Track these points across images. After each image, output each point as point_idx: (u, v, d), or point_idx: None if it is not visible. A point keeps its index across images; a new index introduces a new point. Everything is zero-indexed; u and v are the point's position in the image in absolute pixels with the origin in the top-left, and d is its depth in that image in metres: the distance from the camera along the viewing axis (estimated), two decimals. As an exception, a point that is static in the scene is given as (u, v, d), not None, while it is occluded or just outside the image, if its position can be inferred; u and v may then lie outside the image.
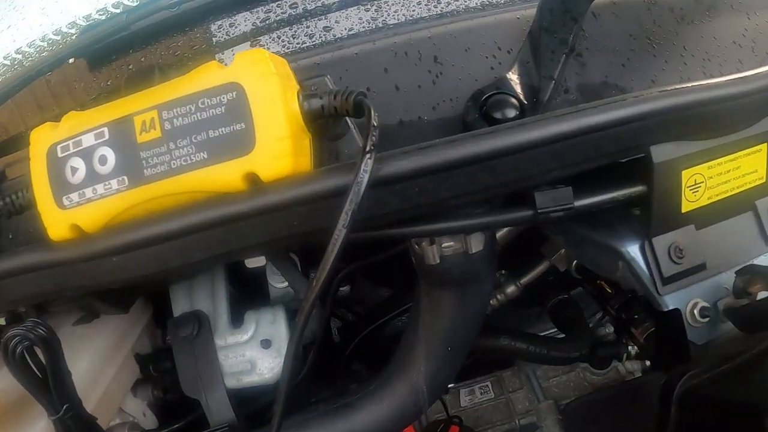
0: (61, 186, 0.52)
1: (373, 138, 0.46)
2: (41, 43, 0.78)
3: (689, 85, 0.57)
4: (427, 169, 0.50)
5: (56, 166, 0.52)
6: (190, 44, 0.74)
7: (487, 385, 1.17)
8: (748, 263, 0.65)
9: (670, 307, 0.62)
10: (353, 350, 1.08)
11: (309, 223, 0.51)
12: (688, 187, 0.61)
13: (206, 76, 0.49)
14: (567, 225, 0.69)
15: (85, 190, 0.51)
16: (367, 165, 0.45)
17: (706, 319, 0.62)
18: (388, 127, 0.61)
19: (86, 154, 0.51)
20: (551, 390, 1.13)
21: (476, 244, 0.60)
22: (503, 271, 1.05)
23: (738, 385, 0.58)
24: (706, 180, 0.62)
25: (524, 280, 0.97)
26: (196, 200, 0.50)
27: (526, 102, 0.58)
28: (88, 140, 0.51)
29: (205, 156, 0.48)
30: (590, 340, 0.98)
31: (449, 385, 1.14)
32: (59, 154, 0.52)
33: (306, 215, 0.50)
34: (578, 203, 0.56)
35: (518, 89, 0.59)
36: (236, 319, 0.79)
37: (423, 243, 0.61)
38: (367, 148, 0.45)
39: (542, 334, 1.19)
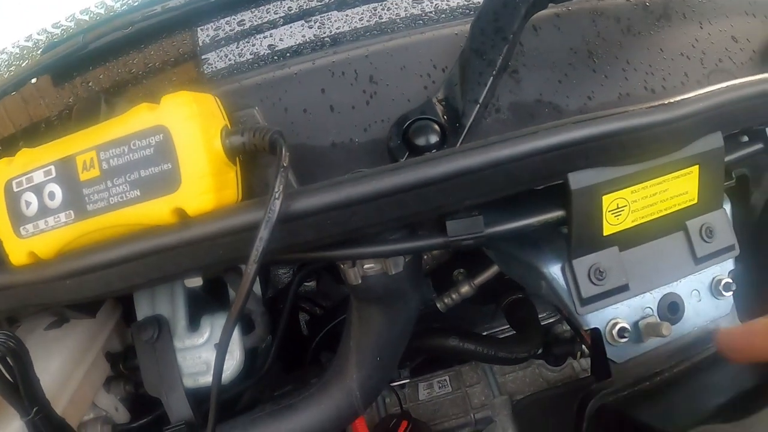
0: (18, 217, 0.57)
1: (282, 178, 0.48)
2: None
3: (609, 112, 0.58)
4: (335, 204, 0.51)
5: (13, 199, 0.57)
6: (144, 61, 0.76)
7: (445, 380, 1.20)
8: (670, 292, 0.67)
9: (590, 327, 0.64)
10: (323, 342, 1.11)
11: (233, 251, 0.54)
12: (609, 211, 0.62)
13: (137, 119, 0.53)
14: (498, 244, 0.70)
15: (38, 222, 0.56)
16: (274, 206, 0.47)
17: (624, 340, 0.64)
18: (320, 149, 0.63)
19: (37, 190, 0.56)
20: (507, 385, 1.15)
21: (395, 266, 0.62)
22: (461, 270, 1.07)
23: (648, 408, 0.60)
24: (630, 204, 0.63)
25: (478, 280, 0.98)
26: (133, 232, 0.55)
27: (448, 127, 0.59)
28: (38, 177, 0.56)
29: (138, 193, 0.53)
30: (541, 341, 0.99)
31: (403, 382, 1.18)
32: (14, 189, 0.57)
33: (230, 245, 0.53)
34: (491, 230, 0.58)
35: (442, 113, 0.61)
36: (194, 323, 0.83)
37: (345, 265, 0.63)
38: (275, 190, 0.48)
39: (499, 329, 1.22)
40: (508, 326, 1.24)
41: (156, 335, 0.80)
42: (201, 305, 0.86)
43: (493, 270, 0.97)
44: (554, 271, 0.63)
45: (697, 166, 0.66)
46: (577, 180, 0.59)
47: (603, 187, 0.60)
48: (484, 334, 1.24)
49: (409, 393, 1.20)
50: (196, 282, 0.68)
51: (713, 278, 0.71)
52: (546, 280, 0.63)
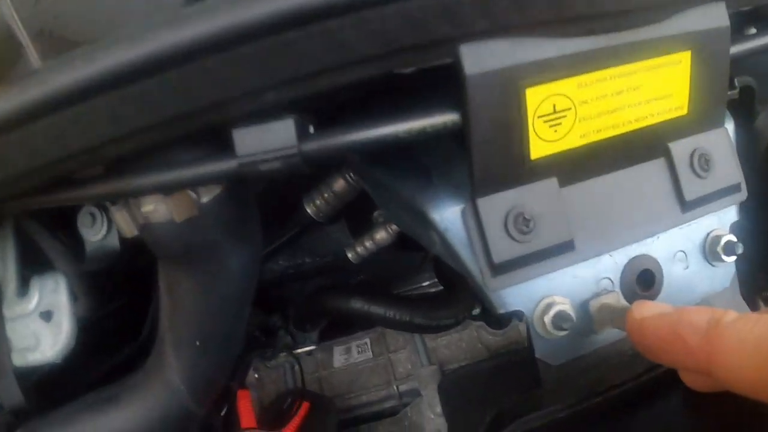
0: None
1: None
2: None
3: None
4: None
5: None
6: None
7: (365, 343, 0.95)
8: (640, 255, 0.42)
9: (509, 309, 0.39)
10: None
11: None
12: (540, 117, 0.36)
13: None
14: (369, 170, 0.45)
15: None
16: None
17: (563, 332, 0.39)
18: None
19: None
20: (439, 351, 0.91)
21: (183, 208, 0.38)
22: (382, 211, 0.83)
23: None
24: (576, 107, 0.38)
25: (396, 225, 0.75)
26: None
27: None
28: None
29: None
30: (472, 303, 0.76)
31: (307, 349, 0.95)
32: None
33: None
34: (316, 144, 0.32)
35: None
36: (25, 286, 0.65)
37: (113, 208, 0.41)
38: None
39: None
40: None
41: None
42: (35, 261, 0.66)
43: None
44: (448, 217, 0.38)
45: (688, 53, 0.41)
46: (476, 57, 0.33)
47: (526, 73, 0.35)
48: (410, 292, 1.01)
49: (323, 358, 0.96)
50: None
51: (708, 234, 0.46)
52: (437, 233, 0.38)
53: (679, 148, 0.44)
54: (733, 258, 0.46)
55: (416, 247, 0.89)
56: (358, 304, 0.75)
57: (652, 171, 0.43)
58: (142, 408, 0.56)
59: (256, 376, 0.95)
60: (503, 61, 0.34)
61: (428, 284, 1.03)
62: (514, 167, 0.37)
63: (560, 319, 0.38)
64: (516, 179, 0.38)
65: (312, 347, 0.95)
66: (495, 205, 0.37)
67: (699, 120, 0.44)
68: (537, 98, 0.36)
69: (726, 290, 0.48)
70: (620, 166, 0.42)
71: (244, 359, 0.90)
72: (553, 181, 0.39)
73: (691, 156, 0.44)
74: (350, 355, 0.95)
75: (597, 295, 0.41)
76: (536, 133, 0.37)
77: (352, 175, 0.71)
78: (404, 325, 0.75)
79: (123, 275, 0.76)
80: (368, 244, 0.79)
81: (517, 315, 0.39)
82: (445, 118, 0.35)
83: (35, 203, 0.39)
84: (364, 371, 0.93)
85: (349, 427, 0.90)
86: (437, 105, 0.35)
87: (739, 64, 0.56)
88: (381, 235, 0.78)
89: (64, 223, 0.61)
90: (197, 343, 0.51)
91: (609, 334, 0.42)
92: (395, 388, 0.91)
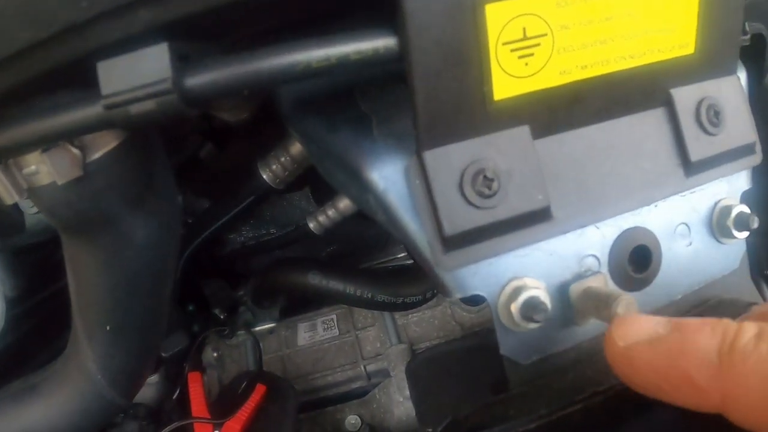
0: None
1: None
2: None
3: None
4: None
5: None
6: None
7: (332, 319, 0.87)
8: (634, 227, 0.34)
9: (467, 293, 0.31)
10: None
11: None
12: (506, 44, 0.28)
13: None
14: (300, 121, 0.36)
15: None
16: None
17: (535, 324, 0.30)
18: None
19: None
20: (410, 329, 0.83)
21: (64, 168, 0.30)
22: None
23: None
24: (553, 33, 0.29)
25: None
26: None
27: None
28: None
29: None
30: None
31: (266, 326, 0.88)
32: None
33: None
34: (203, 78, 0.24)
35: None
36: None
37: None
38: None
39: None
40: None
41: None
42: None
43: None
44: (387, 176, 0.29)
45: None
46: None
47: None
48: (386, 265, 0.93)
49: (288, 336, 0.88)
50: None
51: (716, 204, 0.38)
52: (374, 196, 0.30)
53: (684, 96, 0.35)
54: (745, 234, 0.38)
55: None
56: (315, 280, 0.67)
57: (650, 123, 0.35)
58: (62, 399, 0.50)
59: (215, 354, 0.88)
60: (455, -35, 0.25)
61: (403, 256, 0.95)
62: (471, 110, 0.28)
63: (531, 307, 0.30)
64: (475, 126, 0.29)
65: (272, 324, 0.88)
66: (447, 160, 0.29)
67: (708, 63, 0.36)
68: (501, 17, 0.27)
69: (734, 272, 0.40)
70: (610, 115, 0.33)
71: (197, 337, 0.83)
72: (524, 130, 0.30)
73: (698, 106, 0.36)
74: (315, 332, 0.87)
75: (579, 277, 0.33)
76: (500, 66, 0.28)
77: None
78: (366, 303, 0.68)
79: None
80: (331, 213, 0.71)
81: (476, 300, 0.31)
82: (377, 42, 0.26)
83: None
84: (330, 350, 0.86)
85: (315, 409, 0.83)
86: (369, 27, 0.26)
87: (752, 7, 0.47)
88: (345, 204, 0.70)
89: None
90: (108, 329, 0.44)
91: (592, 327, 0.33)
92: (363, 368, 0.83)
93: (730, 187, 0.39)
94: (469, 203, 0.29)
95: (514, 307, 0.31)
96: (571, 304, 0.32)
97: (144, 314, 0.45)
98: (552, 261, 0.32)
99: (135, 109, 0.25)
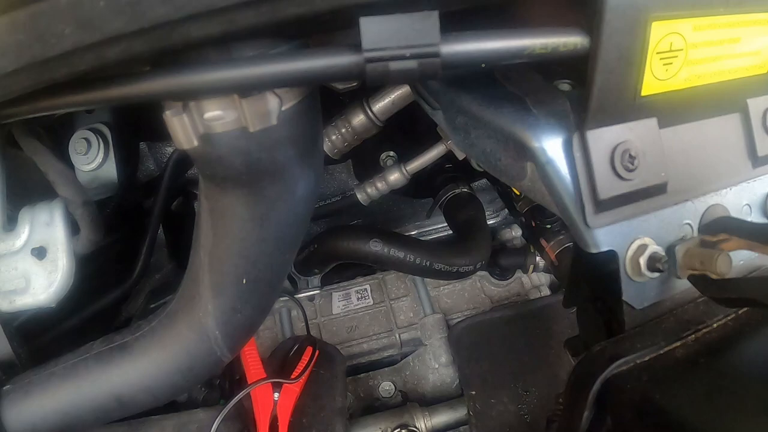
0: None
1: None
2: None
3: None
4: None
5: None
6: None
7: (365, 289, 0.93)
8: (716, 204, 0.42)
9: (602, 248, 0.39)
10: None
11: None
12: (658, 53, 0.36)
13: None
14: (453, 96, 0.44)
15: None
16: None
17: (656, 274, 0.39)
18: None
19: None
20: (441, 300, 0.90)
21: (262, 116, 0.35)
22: (390, 153, 0.81)
23: (681, 391, 0.36)
24: (687, 47, 0.37)
25: (412, 166, 0.73)
26: None
27: None
28: None
29: None
30: (489, 251, 0.76)
31: (311, 293, 0.92)
32: None
33: None
34: (454, 48, 0.31)
35: None
36: (12, 220, 0.57)
37: (168, 112, 0.34)
38: None
39: (431, 229, 0.98)
40: (444, 226, 1.00)
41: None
42: (22, 193, 0.59)
43: (433, 154, 0.72)
44: (552, 148, 0.37)
45: (782, 9, 0.41)
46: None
47: (655, 4, 0.34)
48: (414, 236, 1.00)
49: (322, 305, 0.92)
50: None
51: None
52: (537, 163, 0.37)
53: (756, 105, 0.44)
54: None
55: (426, 194, 0.88)
56: (377, 247, 0.73)
57: (732, 124, 0.44)
58: (162, 355, 0.49)
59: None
60: (639, -10, 0.33)
61: (416, 233, 1.03)
62: (625, 102, 0.36)
63: (656, 260, 0.38)
64: (624, 115, 0.37)
65: (315, 291, 0.93)
66: (603, 139, 0.37)
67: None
68: (659, 33, 0.35)
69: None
70: (707, 115, 0.42)
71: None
72: (653, 121, 0.39)
73: (765, 113, 0.45)
74: (349, 301, 0.92)
75: (681, 239, 0.41)
76: (651, 69, 0.36)
77: (372, 109, 0.68)
78: (423, 271, 0.74)
79: (116, 209, 0.71)
80: (380, 185, 0.77)
81: (609, 255, 0.39)
82: (576, 40, 0.33)
83: (63, 104, 0.33)
84: (364, 318, 0.91)
85: (349, 376, 0.89)
86: (563, 27, 0.34)
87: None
88: (395, 176, 0.76)
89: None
90: (243, 282, 0.45)
91: (684, 282, 0.42)
92: (397, 336, 0.89)
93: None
94: (617, 175, 0.37)
95: (642, 260, 0.39)
96: (677, 260, 0.41)
97: (280, 267, 0.49)
98: (662, 225, 0.41)
99: (395, 65, 0.30)
